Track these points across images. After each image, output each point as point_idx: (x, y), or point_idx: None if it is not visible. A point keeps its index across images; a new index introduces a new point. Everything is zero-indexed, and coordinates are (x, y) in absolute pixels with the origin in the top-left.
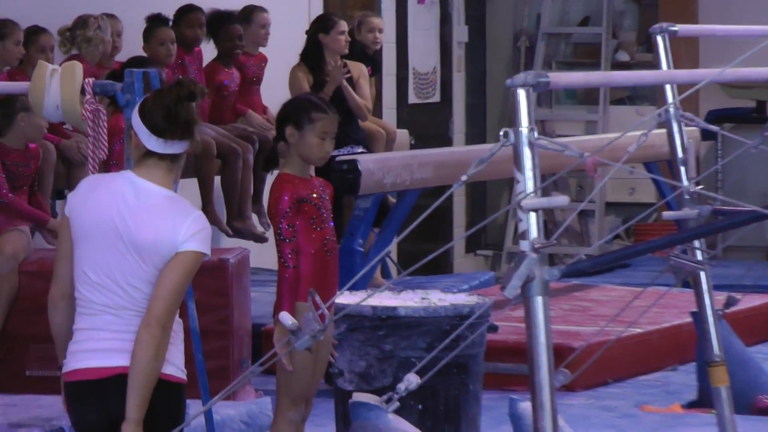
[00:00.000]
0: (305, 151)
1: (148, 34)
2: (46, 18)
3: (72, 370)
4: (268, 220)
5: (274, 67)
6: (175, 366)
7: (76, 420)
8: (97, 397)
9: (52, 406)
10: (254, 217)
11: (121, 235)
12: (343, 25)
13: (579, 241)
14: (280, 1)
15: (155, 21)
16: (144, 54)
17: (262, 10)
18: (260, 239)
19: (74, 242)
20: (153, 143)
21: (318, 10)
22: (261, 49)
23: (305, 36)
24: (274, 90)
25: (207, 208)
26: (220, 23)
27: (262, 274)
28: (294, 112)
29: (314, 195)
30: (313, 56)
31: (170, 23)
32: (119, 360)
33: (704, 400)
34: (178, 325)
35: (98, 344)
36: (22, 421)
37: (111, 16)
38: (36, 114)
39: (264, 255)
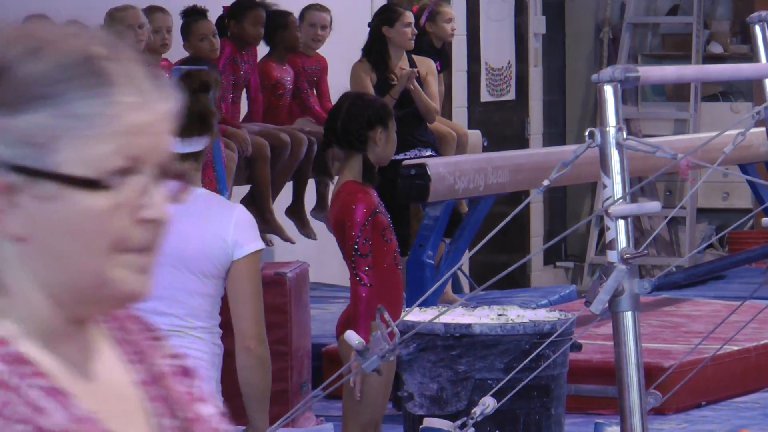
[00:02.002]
0: (388, 152)
1: (186, 30)
2: (81, 14)
3: None
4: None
5: (336, 65)
6: None
7: None
8: None
9: None
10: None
11: (165, 251)
12: (409, 17)
13: (669, 251)
14: None
15: (193, 15)
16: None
17: (318, 8)
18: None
19: None
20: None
21: (381, 0)
22: (323, 52)
23: (368, 29)
24: (338, 90)
25: (265, 216)
26: (270, 17)
27: (322, 290)
28: (383, 113)
29: (382, 204)
30: (376, 51)
31: (219, 17)
32: None
33: None
34: (206, 345)
35: None
36: None
37: (158, 9)
38: None
39: (324, 269)
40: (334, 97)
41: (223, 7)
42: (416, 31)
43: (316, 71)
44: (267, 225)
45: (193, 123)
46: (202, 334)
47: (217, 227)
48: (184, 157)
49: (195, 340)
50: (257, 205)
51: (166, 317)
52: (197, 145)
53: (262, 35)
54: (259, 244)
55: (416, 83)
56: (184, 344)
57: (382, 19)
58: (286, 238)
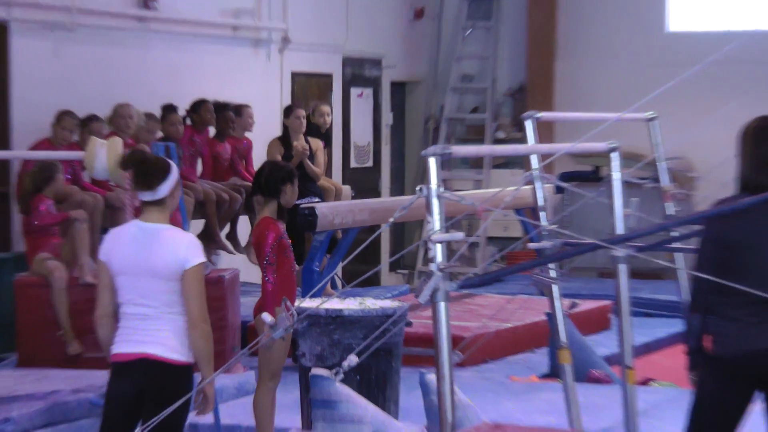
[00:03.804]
0: (293, 199)
1: (163, 119)
2: (97, 106)
3: (114, 353)
4: (243, 249)
5: (258, 143)
6: (176, 351)
7: (113, 389)
8: (127, 373)
9: (103, 378)
10: (228, 243)
11: (140, 265)
12: (299, 112)
13: (469, 264)
14: (261, 95)
15: (169, 109)
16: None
17: (248, 106)
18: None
19: (114, 276)
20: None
21: (288, 101)
22: (249, 136)
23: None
24: (259, 160)
25: (215, 239)
26: (217, 110)
27: (247, 286)
28: (290, 175)
29: (285, 233)
30: (283, 134)
31: (185, 110)
32: (144, 348)
33: (554, 373)
34: (173, 322)
35: (131, 336)
36: (81, 387)
37: (151, 116)
38: (89, 174)
39: (249, 272)
40: (257, 162)
41: (191, 104)
42: (304, 120)
43: (245, 149)
44: (216, 244)
45: (157, 177)
46: (175, 316)
47: (173, 249)
48: (154, 203)
49: (169, 320)
50: (208, 233)
51: (150, 308)
52: (161, 193)
53: (212, 122)
54: (201, 259)
55: (307, 158)
56: (160, 323)
57: (284, 114)
58: (230, 251)
